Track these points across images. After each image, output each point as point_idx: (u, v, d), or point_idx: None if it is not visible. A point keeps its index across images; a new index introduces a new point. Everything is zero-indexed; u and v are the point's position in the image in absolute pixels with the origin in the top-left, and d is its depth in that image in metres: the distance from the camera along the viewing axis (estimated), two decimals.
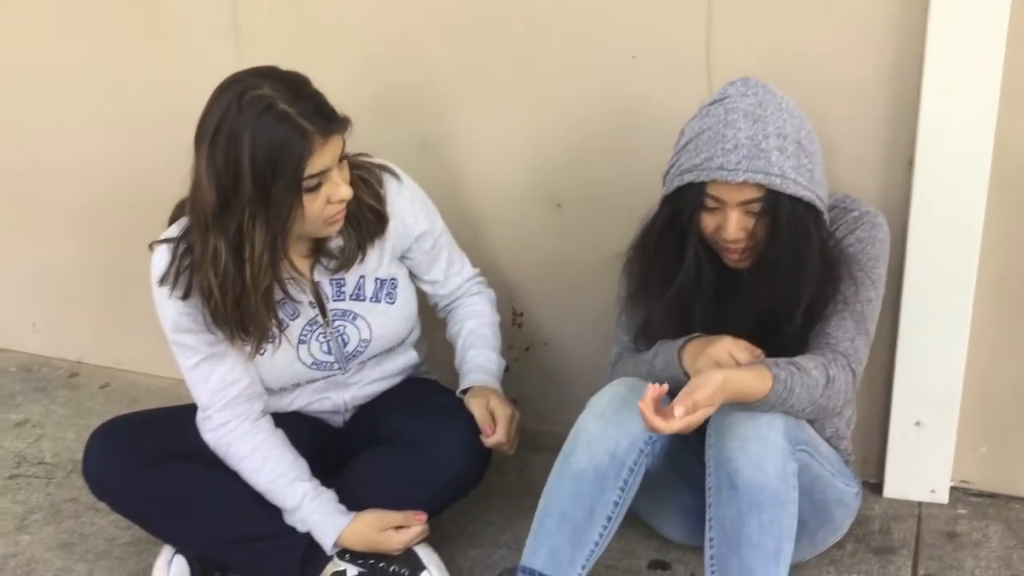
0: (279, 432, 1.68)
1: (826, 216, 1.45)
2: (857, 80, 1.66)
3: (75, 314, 2.54)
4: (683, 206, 1.44)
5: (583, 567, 1.44)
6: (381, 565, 1.63)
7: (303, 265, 1.64)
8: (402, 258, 1.74)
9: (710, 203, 1.42)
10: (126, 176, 2.31)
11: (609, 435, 1.44)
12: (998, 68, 1.54)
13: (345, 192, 1.52)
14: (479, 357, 1.77)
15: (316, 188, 1.49)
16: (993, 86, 1.55)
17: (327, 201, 1.51)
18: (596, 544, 1.44)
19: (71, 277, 2.50)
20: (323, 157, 1.47)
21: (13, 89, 2.36)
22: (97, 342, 2.54)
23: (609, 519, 1.44)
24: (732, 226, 1.41)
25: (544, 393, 2.10)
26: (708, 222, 1.44)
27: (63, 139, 2.36)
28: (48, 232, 2.48)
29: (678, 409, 1.29)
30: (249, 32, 2.05)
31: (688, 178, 1.41)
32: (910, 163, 1.65)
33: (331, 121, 1.47)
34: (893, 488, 1.86)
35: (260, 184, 1.44)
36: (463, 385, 1.74)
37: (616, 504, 1.44)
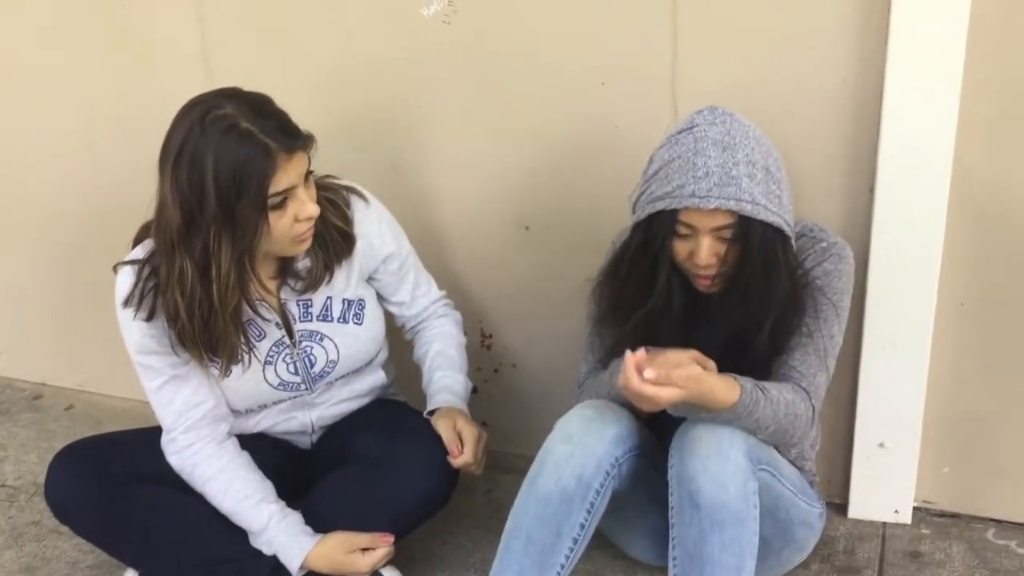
0: (244, 454, 1.67)
1: (793, 242, 1.47)
2: (819, 108, 1.68)
3: (39, 336, 2.51)
4: (655, 233, 1.45)
5: None
6: None
7: (270, 286, 1.64)
8: (369, 279, 1.74)
9: (682, 230, 1.44)
10: (91, 197, 2.29)
11: (576, 458, 1.45)
12: (955, 98, 1.56)
13: (312, 210, 1.52)
14: (446, 379, 1.77)
15: (282, 206, 1.49)
16: (951, 116, 1.58)
17: (294, 219, 1.51)
18: (562, 567, 1.45)
19: (35, 299, 2.47)
20: (288, 174, 1.47)
21: None
22: (61, 364, 2.51)
23: (576, 541, 1.45)
24: (704, 252, 1.43)
25: (513, 415, 2.10)
26: (680, 248, 1.46)
27: (28, 160, 2.34)
28: (11, 253, 2.45)
29: (650, 372, 1.30)
30: (218, 54, 2.04)
31: (659, 205, 1.42)
32: (871, 190, 1.68)
33: (294, 138, 1.48)
34: (857, 508, 1.87)
35: (224, 203, 1.44)
36: (430, 406, 1.74)
37: (583, 527, 1.45)
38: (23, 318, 2.51)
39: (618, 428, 1.47)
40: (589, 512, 1.45)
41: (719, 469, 1.36)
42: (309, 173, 1.53)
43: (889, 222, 1.66)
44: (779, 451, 1.55)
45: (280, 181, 1.46)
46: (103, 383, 2.46)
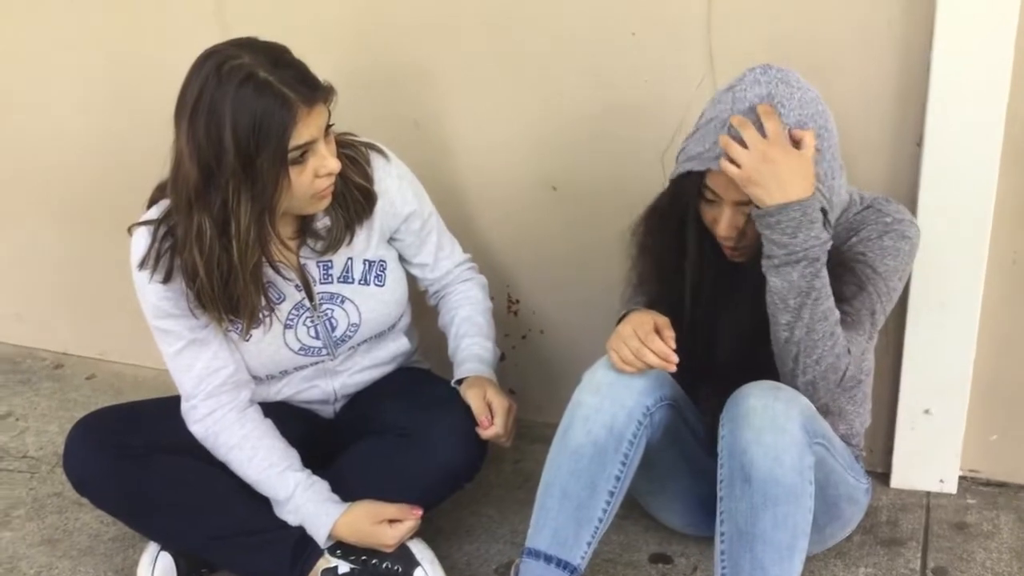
0: (268, 421, 1.63)
1: (831, 216, 1.40)
2: (864, 58, 1.61)
3: (60, 304, 2.50)
4: (684, 193, 1.42)
5: (588, 544, 1.41)
6: (374, 562, 1.59)
7: (290, 246, 1.59)
8: (391, 240, 1.70)
9: (708, 195, 1.40)
10: (112, 162, 2.25)
11: (606, 409, 1.41)
12: (1009, 47, 1.49)
13: (333, 165, 1.48)
14: (474, 346, 1.73)
15: (302, 160, 1.45)
16: (1005, 65, 1.50)
17: (315, 175, 1.47)
18: (600, 520, 1.41)
19: (55, 266, 2.45)
20: (308, 127, 1.43)
21: None
22: (82, 333, 2.50)
23: (612, 495, 1.41)
24: (724, 223, 1.40)
25: (541, 383, 2.06)
26: (707, 213, 1.43)
27: (47, 124, 2.31)
28: (32, 220, 2.43)
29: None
30: (235, 9, 1.99)
31: (688, 166, 1.39)
32: (918, 143, 1.60)
33: (314, 89, 1.43)
34: (900, 478, 1.82)
35: (244, 157, 1.39)
36: (458, 375, 1.69)
37: (618, 479, 1.41)
38: (44, 287, 2.49)
39: (647, 377, 1.43)
40: (624, 464, 1.41)
41: (774, 442, 1.30)
42: (329, 127, 1.48)
43: (937, 176, 1.59)
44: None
45: (301, 134, 1.42)
46: (125, 352, 2.44)
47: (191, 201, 1.44)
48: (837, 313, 1.38)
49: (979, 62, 1.51)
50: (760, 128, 1.32)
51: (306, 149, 1.44)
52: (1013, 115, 1.53)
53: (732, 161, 1.32)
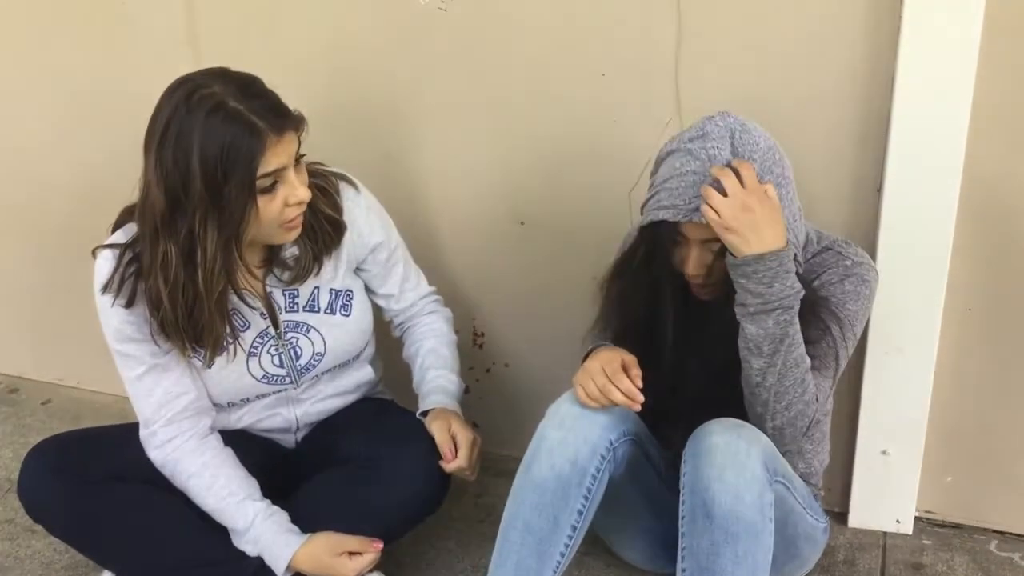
0: (228, 449, 1.62)
1: (798, 255, 1.43)
2: (827, 105, 1.65)
3: (16, 327, 2.46)
4: (660, 242, 1.45)
5: None
6: None
7: (256, 274, 1.59)
8: (357, 270, 1.70)
9: (678, 237, 1.43)
10: (71, 182, 2.24)
11: (569, 443, 1.42)
12: (967, 97, 1.53)
13: (303, 194, 1.48)
14: (439, 378, 1.73)
15: (271, 189, 1.45)
16: (962, 114, 1.54)
17: (284, 204, 1.47)
18: (562, 555, 1.41)
19: (12, 288, 2.42)
20: (277, 156, 1.43)
21: None
22: (39, 357, 2.46)
23: (574, 529, 1.41)
24: (692, 263, 1.42)
25: (506, 416, 2.06)
26: (675, 254, 1.45)
27: (3, 148, 2.28)
28: None
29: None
30: (208, 39, 2.00)
31: (663, 215, 1.41)
32: (878, 190, 1.64)
33: (284, 117, 1.44)
34: (858, 518, 1.83)
35: (211, 185, 1.39)
36: (423, 407, 1.69)
37: (580, 513, 1.41)
38: (0, 309, 2.44)
39: (611, 412, 1.44)
40: (586, 498, 1.42)
41: (735, 479, 1.31)
42: (300, 157, 1.49)
43: (896, 223, 1.62)
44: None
45: (269, 162, 1.42)
46: (82, 377, 2.40)
47: (157, 229, 1.43)
48: (808, 361, 1.41)
49: (938, 112, 1.55)
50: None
51: (276, 178, 1.44)
52: (970, 166, 1.57)
53: (711, 207, 1.34)
